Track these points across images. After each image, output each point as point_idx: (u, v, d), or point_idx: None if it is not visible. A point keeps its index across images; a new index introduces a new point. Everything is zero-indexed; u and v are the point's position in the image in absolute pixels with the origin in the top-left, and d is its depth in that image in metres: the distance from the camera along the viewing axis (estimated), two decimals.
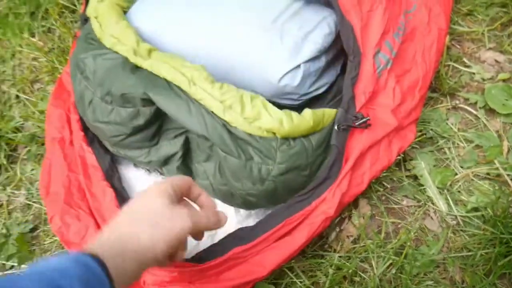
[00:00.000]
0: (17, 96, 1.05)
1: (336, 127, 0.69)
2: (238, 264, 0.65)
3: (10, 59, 1.11)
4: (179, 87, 0.66)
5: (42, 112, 0.98)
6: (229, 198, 0.72)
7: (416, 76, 0.80)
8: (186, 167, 0.74)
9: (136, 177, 0.80)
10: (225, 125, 0.63)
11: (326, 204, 0.68)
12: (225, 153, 0.64)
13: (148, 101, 0.67)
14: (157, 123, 0.72)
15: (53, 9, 1.13)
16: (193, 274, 0.63)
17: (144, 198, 0.53)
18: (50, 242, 0.83)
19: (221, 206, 0.75)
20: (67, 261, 0.42)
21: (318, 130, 0.68)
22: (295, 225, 0.67)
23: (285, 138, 0.65)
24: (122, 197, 0.73)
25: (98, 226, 0.71)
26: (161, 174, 0.82)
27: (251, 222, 0.75)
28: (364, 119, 0.69)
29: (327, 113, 0.69)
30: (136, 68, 0.70)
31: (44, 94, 1.03)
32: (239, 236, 0.68)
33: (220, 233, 0.74)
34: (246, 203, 0.71)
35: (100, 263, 0.44)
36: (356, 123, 0.69)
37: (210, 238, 0.74)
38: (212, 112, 0.64)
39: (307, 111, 0.67)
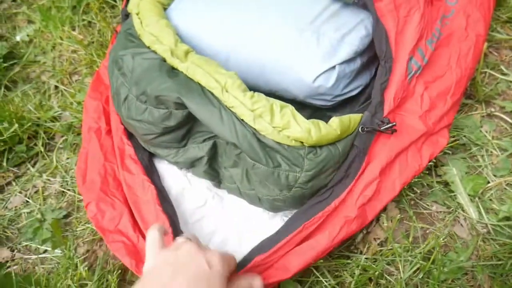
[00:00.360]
0: (56, 87, 1.09)
1: (360, 129, 0.70)
2: (262, 270, 0.66)
3: (50, 50, 1.15)
4: (212, 93, 0.67)
5: (79, 103, 1.01)
6: (256, 201, 0.73)
7: (449, 82, 0.80)
8: (213, 170, 0.76)
9: (169, 172, 0.82)
10: (255, 133, 0.64)
11: (347, 207, 0.68)
12: (254, 160, 0.65)
13: (181, 105, 0.68)
14: (188, 126, 0.73)
15: (94, 3, 1.16)
16: None
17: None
18: (83, 229, 0.86)
19: (249, 206, 0.77)
20: None
21: (344, 137, 0.68)
22: (315, 227, 0.67)
23: (312, 147, 0.66)
24: (162, 196, 0.75)
25: (132, 216, 0.73)
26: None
27: (278, 219, 0.76)
28: (390, 124, 0.69)
29: (353, 119, 0.69)
30: (172, 70, 0.71)
31: (81, 86, 1.06)
32: (261, 247, 0.68)
33: (248, 237, 0.75)
34: (273, 207, 0.72)
35: None
36: (382, 128, 0.69)
37: (238, 244, 0.75)
38: (243, 120, 0.64)
39: (334, 120, 0.67)
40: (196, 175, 0.79)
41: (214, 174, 0.77)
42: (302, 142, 0.65)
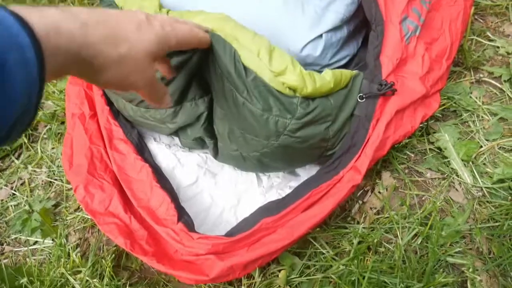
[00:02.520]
0: None
1: (358, 98, 0.68)
2: (266, 235, 0.65)
3: None
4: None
5: (61, 91, 0.99)
6: (242, 163, 0.71)
7: (444, 45, 0.79)
8: (211, 128, 0.73)
9: (157, 151, 0.80)
10: (249, 71, 0.61)
11: (353, 171, 0.67)
12: (245, 99, 0.61)
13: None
14: (183, 76, 0.68)
15: None
16: (226, 246, 0.63)
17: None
18: (73, 218, 0.84)
19: (243, 181, 0.75)
20: None
21: (336, 90, 0.66)
22: (322, 195, 0.66)
23: (305, 97, 0.63)
24: (158, 173, 0.73)
25: (122, 197, 0.71)
26: (181, 147, 0.82)
27: (274, 193, 0.75)
28: (389, 85, 0.68)
29: (344, 74, 0.67)
30: None
31: None
32: (268, 208, 0.67)
33: (244, 208, 0.74)
34: (261, 166, 0.70)
35: (23, 26, 0.34)
36: (381, 91, 0.68)
37: (234, 216, 0.74)
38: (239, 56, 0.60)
39: (327, 72, 0.64)
40: (186, 144, 0.77)
41: (209, 136, 0.74)
42: (294, 92, 0.62)
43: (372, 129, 0.68)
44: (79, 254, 0.77)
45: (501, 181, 0.78)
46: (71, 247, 0.78)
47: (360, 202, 0.78)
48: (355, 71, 0.69)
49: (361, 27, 0.84)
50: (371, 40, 0.71)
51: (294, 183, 0.76)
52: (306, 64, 0.76)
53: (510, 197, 0.75)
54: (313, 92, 0.62)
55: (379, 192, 0.77)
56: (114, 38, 0.43)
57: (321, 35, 0.75)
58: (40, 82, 0.35)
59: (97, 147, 0.76)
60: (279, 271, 0.70)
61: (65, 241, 0.80)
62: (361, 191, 0.79)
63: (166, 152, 0.79)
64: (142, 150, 0.76)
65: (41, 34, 0.35)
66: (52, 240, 0.82)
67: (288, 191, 0.72)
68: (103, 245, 0.78)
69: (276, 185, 0.76)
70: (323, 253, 0.72)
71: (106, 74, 0.43)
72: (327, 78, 0.63)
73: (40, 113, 0.97)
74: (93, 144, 0.76)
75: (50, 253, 0.80)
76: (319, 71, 0.77)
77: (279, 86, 0.61)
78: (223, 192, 0.75)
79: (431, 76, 0.75)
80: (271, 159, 0.67)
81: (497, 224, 0.73)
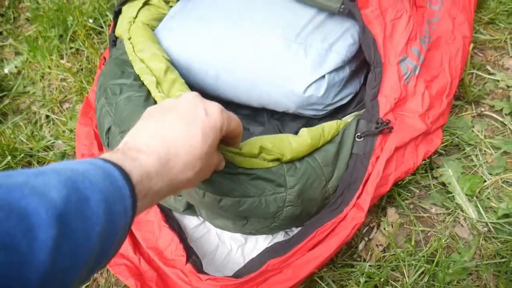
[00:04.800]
0: (47, 116, 1.08)
1: (356, 137, 0.71)
2: (273, 275, 0.66)
3: (39, 80, 1.15)
4: None
5: (71, 130, 1.01)
6: (255, 233, 0.73)
7: (444, 82, 0.81)
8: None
9: None
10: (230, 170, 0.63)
11: (356, 209, 0.68)
12: (240, 197, 0.64)
13: None
14: None
15: (81, 31, 1.17)
16: (234, 287, 0.63)
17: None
18: None
19: None
20: (91, 166, 0.37)
21: (320, 146, 0.69)
22: (327, 234, 0.67)
23: (291, 162, 0.67)
24: (166, 214, 0.75)
25: (131, 239, 0.72)
26: None
27: (280, 233, 0.76)
28: (385, 123, 0.69)
29: (327, 127, 0.70)
30: None
31: (73, 113, 1.05)
32: (275, 249, 0.68)
33: (251, 248, 0.74)
34: (273, 231, 0.73)
35: (126, 178, 0.38)
36: (378, 129, 0.70)
37: (241, 256, 0.75)
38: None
39: (303, 130, 0.68)
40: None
41: None
42: (279, 161, 0.66)
43: (372, 167, 0.69)
44: None
45: (506, 216, 0.78)
46: None
47: (366, 239, 0.78)
48: (343, 120, 0.71)
49: (363, 66, 0.86)
50: (369, 81, 0.73)
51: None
52: (309, 104, 0.78)
53: None
54: (295, 155, 0.65)
55: (385, 229, 0.78)
56: (191, 162, 0.45)
57: (324, 76, 0.77)
58: (127, 232, 0.39)
59: None
60: None
61: None
62: (367, 227, 0.79)
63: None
64: None
65: (136, 182, 0.39)
66: None
67: (294, 230, 0.73)
68: (111, 286, 0.79)
69: None
70: None
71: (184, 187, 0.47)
72: (303, 136, 0.67)
73: (51, 153, 0.99)
74: None
75: None
76: (323, 110, 0.80)
77: (263, 164, 0.64)
78: (230, 232, 0.76)
79: (431, 113, 0.77)
80: (280, 226, 0.69)
81: (503, 260, 0.73)
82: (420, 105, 0.75)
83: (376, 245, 0.77)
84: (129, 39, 0.81)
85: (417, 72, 0.77)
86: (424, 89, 0.76)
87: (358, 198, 0.68)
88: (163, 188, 0.43)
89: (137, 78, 0.74)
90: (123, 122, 0.69)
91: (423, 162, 0.81)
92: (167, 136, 0.45)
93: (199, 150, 0.46)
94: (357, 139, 0.69)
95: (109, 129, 0.72)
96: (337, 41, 0.77)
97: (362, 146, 0.69)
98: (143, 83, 0.73)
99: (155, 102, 0.71)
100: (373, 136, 0.70)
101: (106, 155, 0.40)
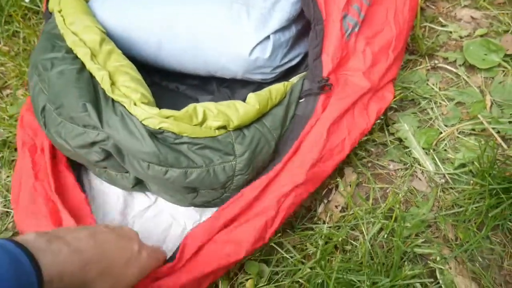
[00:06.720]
0: None
1: (298, 98, 0.69)
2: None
3: None
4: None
5: (12, 116, 0.95)
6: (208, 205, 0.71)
7: (389, 36, 0.78)
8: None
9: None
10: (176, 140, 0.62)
11: (295, 173, 0.66)
12: (186, 168, 0.61)
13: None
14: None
15: (16, 12, 1.10)
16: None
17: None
18: None
19: None
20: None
21: (269, 110, 0.67)
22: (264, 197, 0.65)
23: (239, 129, 0.65)
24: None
25: None
26: None
27: None
28: (324, 81, 0.68)
29: (275, 89, 0.68)
30: (91, 80, 0.66)
31: (14, 99, 0.99)
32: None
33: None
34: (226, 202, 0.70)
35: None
36: (318, 88, 0.67)
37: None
38: (160, 128, 0.61)
39: (250, 96, 0.66)
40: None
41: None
42: (225, 128, 0.64)
43: (310, 127, 0.67)
44: None
45: (463, 165, 0.78)
46: None
47: (325, 201, 0.76)
48: (289, 81, 0.69)
49: None
50: (310, 40, 0.71)
51: None
52: (257, 67, 0.75)
53: (472, 181, 0.75)
54: (242, 120, 0.63)
55: (343, 190, 0.76)
56: (107, 274, 0.49)
57: (268, 36, 0.73)
58: None
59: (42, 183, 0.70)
60: (247, 280, 0.68)
61: None
62: (325, 190, 0.78)
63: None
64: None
65: (46, 279, 0.41)
66: None
67: None
68: None
69: None
70: (291, 258, 0.70)
71: None
72: (251, 102, 0.65)
73: None
74: (38, 181, 0.71)
75: None
76: (272, 73, 0.77)
77: (209, 133, 0.62)
78: (185, 209, 0.73)
79: (376, 69, 0.75)
80: (232, 196, 0.67)
81: (461, 209, 0.72)
82: (362, 62, 0.73)
83: (335, 206, 0.76)
84: (60, 11, 0.76)
85: (356, 30, 0.74)
86: (365, 46, 0.74)
87: (289, 160, 0.66)
88: None
89: (69, 51, 0.70)
90: (57, 97, 0.65)
91: (379, 120, 0.79)
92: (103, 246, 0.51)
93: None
94: (299, 101, 0.67)
95: (43, 108, 0.67)
96: None
97: (303, 107, 0.67)
98: (77, 56, 0.69)
99: (90, 75, 0.66)
100: (314, 96, 0.68)
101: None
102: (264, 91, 0.68)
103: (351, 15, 0.74)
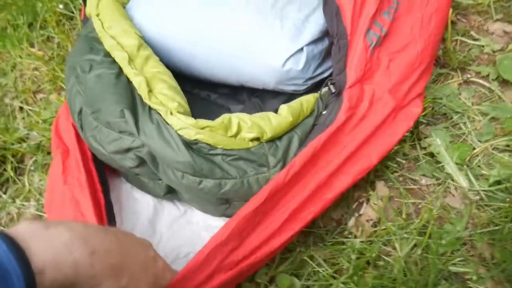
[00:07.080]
0: (21, 108, 1.04)
1: (320, 111, 0.69)
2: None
3: (11, 71, 1.10)
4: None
5: (45, 121, 0.97)
6: None
7: (415, 51, 0.75)
8: None
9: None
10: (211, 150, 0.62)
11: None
12: (220, 179, 0.61)
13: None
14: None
15: (51, 17, 1.12)
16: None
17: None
18: None
19: None
20: None
21: (300, 121, 0.67)
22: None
23: (271, 141, 0.64)
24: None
25: None
26: None
27: None
28: (330, 83, 0.69)
29: (306, 101, 0.68)
30: (128, 85, 0.66)
31: (47, 103, 1.01)
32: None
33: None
34: None
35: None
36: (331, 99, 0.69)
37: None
38: (196, 140, 0.61)
39: (282, 108, 0.66)
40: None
41: None
42: (259, 140, 0.64)
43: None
44: None
45: (498, 182, 0.76)
46: None
47: (356, 214, 0.76)
48: (319, 93, 0.69)
49: None
50: (333, 54, 0.70)
51: None
52: (289, 78, 0.74)
53: (508, 199, 0.73)
54: (275, 132, 0.63)
55: (374, 203, 0.76)
56: (120, 272, 0.43)
57: (302, 48, 0.73)
58: None
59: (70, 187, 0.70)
60: None
61: None
62: (356, 203, 0.77)
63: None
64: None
65: (38, 267, 0.35)
66: None
67: None
68: None
69: None
70: (322, 272, 0.69)
71: None
72: (283, 113, 0.65)
73: (24, 144, 0.95)
74: (66, 185, 0.70)
75: None
76: (304, 84, 0.77)
77: (243, 145, 0.62)
78: (215, 221, 0.72)
79: (402, 86, 0.73)
80: None
81: (497, 228, 0.71)
82: (388, 79, 0.72)
83: (367, 220, 0.75)
84: (97, 15, 0.77)
85: (379, 44, 0.73)
86: (389, 62, 0.73)
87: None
88: (78, 282, 0.40)
89: (107, 54, 0.70)
90: (94, 102, 0.65)
91: (410, 133, 0.78)
92: (115, 240, 0.46)
93: None
94: (322, 112, 0.68)
95: (80, 110, 0.68)
96: (314, 11, 0.74)
97: (324, 118, 0.67)
98: (114, 60, 0.69)
99: (128, 79, 0.67)
100: (334, 104, 0.68)
101: None
102: (296, 103, 0.68)
103: (373, 30, 0.73)
